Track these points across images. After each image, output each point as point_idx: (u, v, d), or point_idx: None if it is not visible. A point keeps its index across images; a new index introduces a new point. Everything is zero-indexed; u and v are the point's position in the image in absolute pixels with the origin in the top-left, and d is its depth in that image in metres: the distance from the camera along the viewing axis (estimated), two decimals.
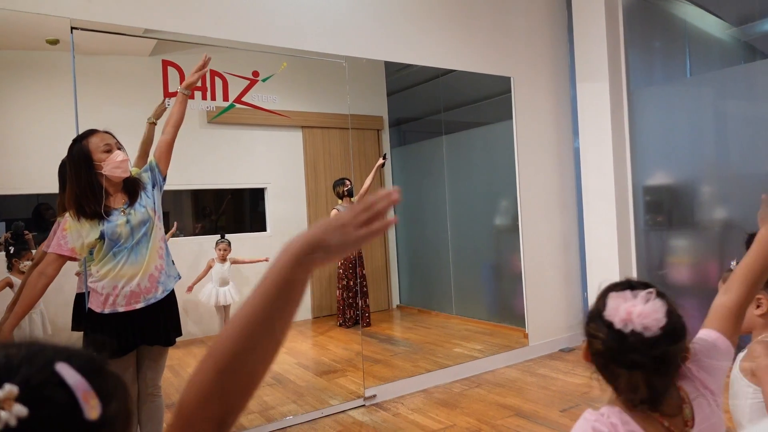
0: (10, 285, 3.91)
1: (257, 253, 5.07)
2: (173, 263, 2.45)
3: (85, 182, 2.18)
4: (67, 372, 0.43)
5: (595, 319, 0.95)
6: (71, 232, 2.20)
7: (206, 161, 4.87)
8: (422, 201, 5.88)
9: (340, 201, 4.99)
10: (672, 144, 4.10)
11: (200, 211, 5.51)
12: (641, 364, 0.89)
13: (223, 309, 4.57)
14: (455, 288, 5.47)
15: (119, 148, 2.24)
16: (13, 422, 0.39)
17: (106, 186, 2.23)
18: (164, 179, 2.41)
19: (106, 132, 2.25)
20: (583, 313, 0.98)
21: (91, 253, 2.27)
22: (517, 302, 4.43)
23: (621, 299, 0.92)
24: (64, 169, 2.33)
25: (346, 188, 4.97)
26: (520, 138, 4.34)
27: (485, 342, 4.48)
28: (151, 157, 2.42)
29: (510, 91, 4.35)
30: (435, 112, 5.71)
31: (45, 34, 4.08)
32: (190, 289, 4.16)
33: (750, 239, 1.12)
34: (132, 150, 2.33)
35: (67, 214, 2.23)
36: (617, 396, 0.96)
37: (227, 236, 4.69)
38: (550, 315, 4.45)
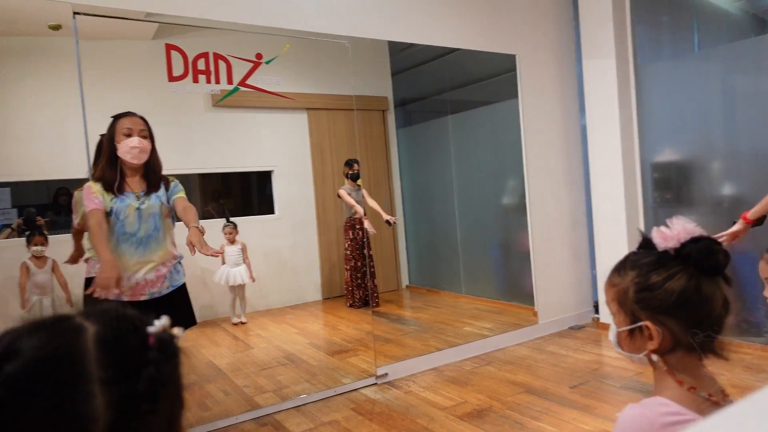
0: (28, 269, 3.97)
1: (267, 235, 5.11)
2: (181, 265, 2.46)
3: (108, 156, 2.27)
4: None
5: (656, 265, 0.94)
6: (98, 194, 2.26)
7: (213, 145, 4.88)
8: (429, 181, 5.87)
9: (346, 181, 5.00)
10: (680, 120, 4.06)
11: (208, 195, 5.52)
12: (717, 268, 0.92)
13: (236, 289, 4.62)
14: (464, 267, 5.50)
15: (144, 137, 2.26)
16: (182, 336, 0.48)
17: (124, 167, 2.26)
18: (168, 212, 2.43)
19: (140, 117, 2.30)
20: (636, 286, 0.95)
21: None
22: (526, 281, 4.45)
23: (661, 234, 0.94)
24: (100, 143, 2.46)
25: (351, 171, 4.96)
26: (526, 116, 4.32)
27: (495, 320, 4.51)
28: (178, 195, 2.40)
29: (515, 70, 4.31)
30: (440, 92, 5.68)
31: (47, 19, 4.06)
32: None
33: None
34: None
35: (90, 182, 2.30)
36: (672, 354, 0.94)
37: (234, 219, 4.72)
38: (559, 293, 4.47)
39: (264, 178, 5.41)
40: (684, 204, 4.14)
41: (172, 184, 2.42)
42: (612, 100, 4.19)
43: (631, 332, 0.97)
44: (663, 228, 0.95)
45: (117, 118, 2.29)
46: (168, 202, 2.40)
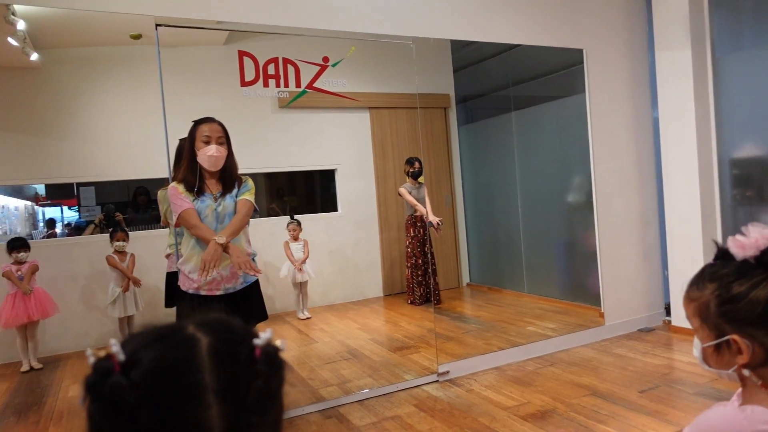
0: (111, 263, 4.27)
1: (330, 232, 5.23)
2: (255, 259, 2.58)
3: (189, 160, 2.41)
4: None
5: (737, 275, 0.90)
6: (185, 195, 2.41)
7: (278, 145, 5.05)
8: (491, 179, 5.81)
9: (407, 180, 5.04)
10: (762, 114, 3.82)
11: (273, 193, 5.71)
12: None
13: (300, 285, 4.77)
14: (527, 266, 5.41)
15: (221, 143, 2.39)
16: (284, 348, 0.51)
17: (203, 170, 2.40)
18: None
19: (218, 124, 2.42)
20: (718, 299, 0.92)
21: (180, 234, 2.45)
22: (592, 281, 4.33)
23: (737, 243, 0.91)
24: (180, 146, 2.63)
25: (411, 169, 4.99)
26: (593, 111, 4.19)
27: (559, 321, 4.42)
28: (243, 196, 2.51)
29: (582, 63, 4.19)
30: (503, 87, 5.60)
31: (129, 29, 4.33)
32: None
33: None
34: (233, 142, 2.46)
35: (174, 183, 2.45)
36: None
37: (297, 217, 4.86)
38: (628, 294, 4.32)
39: (327, 177, 5.54)
40: (766, 202, 3.90)
41: (243, 184, 2.54)
42: (687, 93, 4.00)
43: (717, 347, 0.93)
44: (739, 236, 0.92)
45: (197, 123, 2.42)
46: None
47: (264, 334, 0.51)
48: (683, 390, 3.06)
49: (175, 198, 2.40)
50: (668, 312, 4.36)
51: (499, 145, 5.66)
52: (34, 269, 4.07)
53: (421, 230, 4.98)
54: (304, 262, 4.70)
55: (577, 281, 5.01)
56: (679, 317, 4.11)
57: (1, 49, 3.88)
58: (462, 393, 3.23)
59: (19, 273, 3.99)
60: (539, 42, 4.01)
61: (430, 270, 4.96)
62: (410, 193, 4.96)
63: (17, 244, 4.03)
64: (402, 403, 3.13)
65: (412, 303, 5.05)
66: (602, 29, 4.25)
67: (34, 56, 4.03)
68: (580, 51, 4.16)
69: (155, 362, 0.45)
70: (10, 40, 3.65)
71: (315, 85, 3.19)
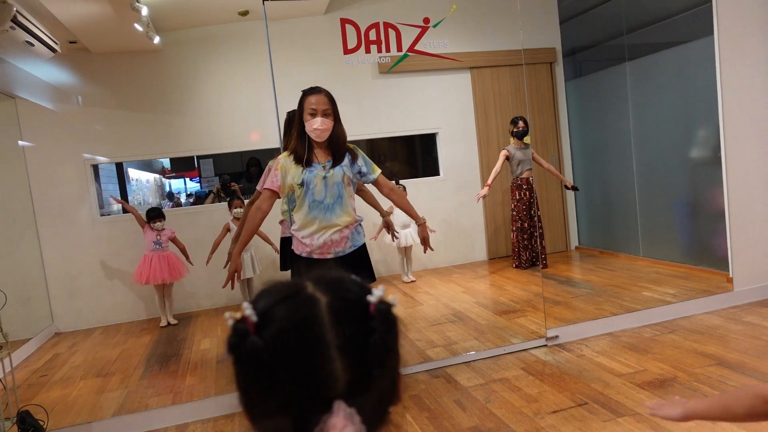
0: (228, 230, 4.59)
1: (433, 197, 5.24)
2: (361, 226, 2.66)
3: (299, 132, 2.50)
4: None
5: None
6: (282, 172, 2.52)
7: (379, 111, 5.09)
8: (602, 136, 5.47)
9: (511, 140, 4.88)
10: None
11: (375, 159, 5.80)
12: None
13: (405, 250, 4.85)
14: (642, 228, 5.08)
15: (326, 115, 2.45)
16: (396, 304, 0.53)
17: (311, 140, 2.49)
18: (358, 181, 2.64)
19: (324, 94, 2.47)
20: None
21: (293, 201, 2.58)
22: (718, 243, 3.98)
23: None
24: (288, 118, 2.76)
25: (515, 128, 4.82)
26: (723, 55, 3.76)
27: (679, 286, 4.13)
28: (378, 176, 2.63)
29: (707, 3, 3.76)
30: (616, 36, 5.18)
31: (237, 7, 4.53)
32: (374, 238, 4.42)
33: None
34: (340, 109, 2.53)
35: (281, 156, 2.56)
36: None
37: (401, 182, 4.90)
38: (761, 257, 3.92)
39: (428, 141, 5.52)
40: None
41: (359, 160, 2.60)
42: None
43: None
44: None
45: (305, 94, 2.49)
46: (360, 177, 2.62)
47: (376, 291, 0.53)
48: None
49: (266, 173, 2.53)
50: None
51: (611, 99, 5.29)
52: (172, 237, 4.50)
53: (527, 193, 4.83)
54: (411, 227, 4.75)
55: (700, 243, 4.63)
56: None
57: (128, 35, 4.23)
58: (572, 358, 3.15)
59: (157, 239, 4.43)
60: None
61: (537, 233, 4.83)
62: (514, 155, 4.81)
63: (153, 214, 4.46)
64: (509, 366, 3.13)
65: (517, 267, 4.96)
66: None
67: (156, 39, 4.35)
68: None
69: (284, 322, 0.50)
70: (136, 26, 3.97)
71: (416, 48, 3.15)
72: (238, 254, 2.54)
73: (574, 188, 5.15)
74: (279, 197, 2.57)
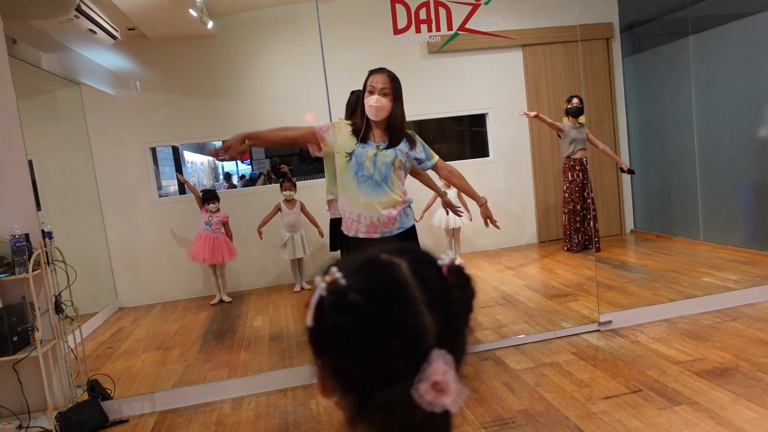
0: (279, 209, 4.69)
1: (482, 178, 5.16)
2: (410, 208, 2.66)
3: (361, 108, 2.53)
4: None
5: None
6: (335, 130, 2.55)
7: (428, 91, 5.04)
8: (661, 114, 5.23)
9: (565, 119, 4.74)
10: None
11: (424, 141, 5.76)
12: None
13: (453, 231, 4.83)
14: (703, 211, 4.86)
15: (384, 94, 2.46)
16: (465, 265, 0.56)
17: (369, 119, 2.51)
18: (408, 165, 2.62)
19: (387, 75, 2.49)
20: None
21: (334, 179, 2.61)
22: None
23: None
24: (349, 99, 2.88)
25: (569, 105, 4.67)
26: None
27: (743, 272, 3.94)
28: (431, 161, 2.63)
29: None
30: (678, 8, 4.92)
31: None
32: (419, 219, 4.41)
33: None
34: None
35: (342, 120, 2.61)
36: None
37: (452, 163, 4.84)
38: None
39: (478, 121, 5.43)
40: None
41: (417, 146, 2.59)
42: None
43: None
44: None
45: (370, 73, 2.52)
46: (418, 163, 2.62)
47: (446, 255, 0.57)
48: None
49: (329, 125, 2.57)
50: None
51: (672, 76, 5.04)
52: (224, 221, 4.64)
53: (580, 174, 4.70)
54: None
55: (766, 228, 4.39)
56: None
57: (183, 21, 4.33)
58: (626, 344, 3.08)
59: (209, 220, 4.58)
60: None
61: (590, 216, 4.70)
62: (568, 132, 4.67)
63: (208, 196, 4.61)
64: (560, 351, 3.08)
65: (569, 250, 4.85)
66: None
67: (210, 24, 4.44)
68: None
69: (374, 282, 0.53)
70: (191, 11, 4.06)
71: (467, 26, 3.09)
72: (242, 139, 2.41)
73: (630, 171, 4.96)
74: (318, 148, 2.55)
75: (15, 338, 2.54)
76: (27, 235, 2.60)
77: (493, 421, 2.39)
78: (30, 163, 2.72)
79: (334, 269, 0.53)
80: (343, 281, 0.52)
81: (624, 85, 5.32)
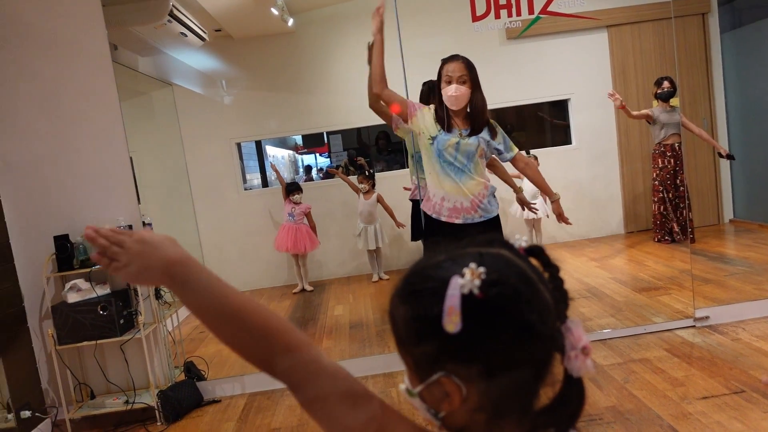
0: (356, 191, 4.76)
1: (564, 166, 4.99)
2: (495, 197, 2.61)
3: (439, 98, 2.53)
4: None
5: None
6: (422, 112, 2.57)
7: (506, 78, 4.91)
8: (764, 94, 4.80)
9: (655, 103, 4.46)
10: None
11: (503, 128, 5.63)
12: None
13: (533, 222, 4.70)
14: None
15: (462, 82, 2.43)
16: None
17: (449, 109, 2.49)
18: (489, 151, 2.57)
19: (462, 62, 2.46)
20: None
21: (419, 161, 2.61)
22: None
23: None
24: (426, 89, 2.91)
25: (659, 90, 4.38)
26: None
27: None
28: (516, 153, 2.59)
29: None
30: None
31: None
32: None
33: None
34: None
35: (429, 106, 2.61)
36: None
37: (532, 152, 4.71)
38: None
39: (559, 108, 5.23)
40: None
41: (498, 137, 2.55)
42: None
43: None
44: None
45: (444, 62, 2.50)
46: (498, 154, 2.59)
47: (521, 238, 0.60)
48: None
49: (419, 104, 2.57)
50: None
51: None
52: (306, 212, 4.79)
53: (672, 160, 4.41)
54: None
55: None
56: None
57: (265, 20, 4.49)
58: (726, 342, 2.87)
59: (292, 211, 4.74)
60: None
61: (685, 204, 4.41)
62: (658, 117, 4.40)
63: (292, 188, 4.78)
64: (651, 347, 2.93)
65: (659, 241, 4.59)
66: None
67: (290, 22, 4.57)
68: None
69: (503, 269, 0.55)
70: (272, 10, 4.20)
71: (549, 9, 2.97)
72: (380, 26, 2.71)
73: (730, 157, 4.60)
74: (404, 120, 2.60)
75: (121, 321, 2.77)
76: (130, 226, 2.81)
77: None
78: (131, 159, 2.94)
79: (472, 264, 0.53)
80: (481, 270, 0.53)
81: (723, 64, 4.92)
